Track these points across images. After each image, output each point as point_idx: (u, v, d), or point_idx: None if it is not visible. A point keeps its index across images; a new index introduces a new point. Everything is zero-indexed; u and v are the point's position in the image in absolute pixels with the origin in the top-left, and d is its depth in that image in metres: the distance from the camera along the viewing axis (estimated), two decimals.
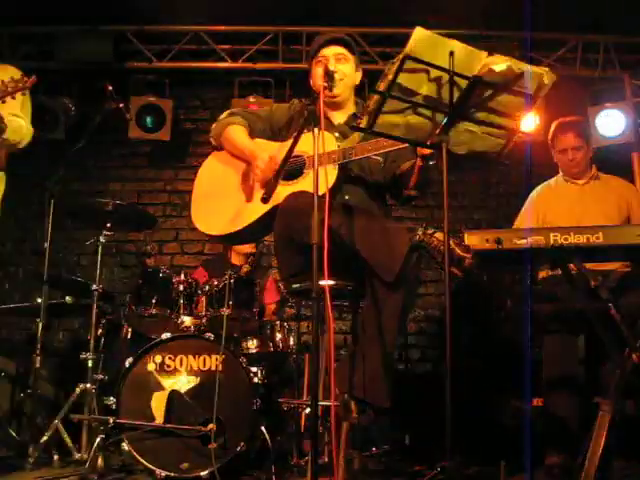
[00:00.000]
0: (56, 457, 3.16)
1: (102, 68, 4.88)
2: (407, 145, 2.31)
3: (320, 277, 1.98)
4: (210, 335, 3.17)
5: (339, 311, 4.72)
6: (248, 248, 4.16)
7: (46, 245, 3.52)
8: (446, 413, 1.93)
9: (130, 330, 3.68)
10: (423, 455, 3.80)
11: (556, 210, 3.50)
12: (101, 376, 3.39)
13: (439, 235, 2.20)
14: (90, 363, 3.32)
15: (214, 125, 2.78)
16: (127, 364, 3.06)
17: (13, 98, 2.80)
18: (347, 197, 2.56)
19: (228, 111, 2.82)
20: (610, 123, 4.66)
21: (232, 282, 3.27)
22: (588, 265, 2.60)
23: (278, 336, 3.58)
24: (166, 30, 5.06)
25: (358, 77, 2.77)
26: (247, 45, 5.08)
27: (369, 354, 2.25)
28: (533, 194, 3.65)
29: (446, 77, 1.99)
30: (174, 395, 2.99)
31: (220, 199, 2.65)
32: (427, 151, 2.28)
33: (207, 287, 3.36)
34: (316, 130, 2.13)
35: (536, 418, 3.09)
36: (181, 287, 3.36)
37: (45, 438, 3.15)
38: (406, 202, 2.72)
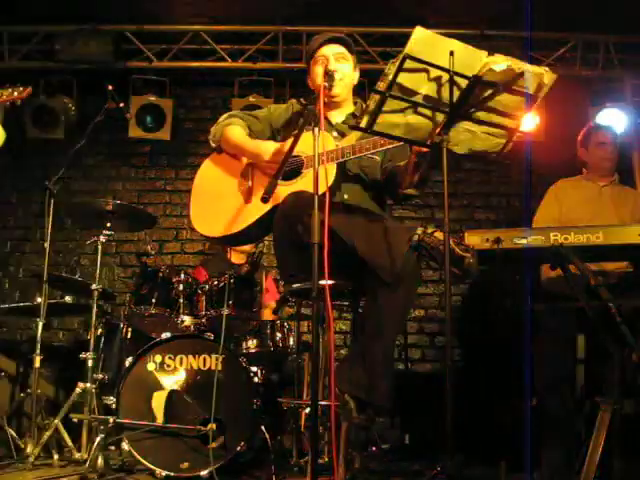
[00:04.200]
0: (56, 457, 3.16)
1: (102, 68, 4.88)
2: (404, 143, 2.31)
3: (320, 277, 1.98)
4: (210, 335, 3.17)
5: (339, 311, 4.72)
6: (248, 247, 4.16)
7: (46, 245, 3.51)
8: (446, 413, 1.93)
9: (130, 330, 3.68)
10: (423, 455, 3.81)
11: (572, 205, 3.51)
12: (101, 376, 3.39)
13: (439, 235, 2.20)
14: (90, 363, 3.32)
15: (213, 127, 2.77)
16: (127, 364, 3.06)
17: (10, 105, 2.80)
18: (346, 196, 2.56)
19: (226, 114, 2.82)
20: (610, 123, 4.66)
21: (232, 282, 3.27)
22: (588, 265, 2.61)
23: (278, 336, 3.58)
24: (166, 30, 5.06)
25: (356, 77, 2.77)
26: (247, 45, 5.08)
27: (369, 354, 2.24)
28: (553, 187, 3.66)
29: (446, 77, 1.99)
30: (174, 395, 3.00)
31: (219, 201, 2.65)
32: (421, 149, 2.27)
33: (207, 287, 3.36)
34: (316, 130, 2.13)
35: (535, 418, 3.10)
36: (181, 287, 3.36)
37: (45, 438, 3.16)
38: (403, 201, 2.72)
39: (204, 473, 2.83)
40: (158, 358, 3.05)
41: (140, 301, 3.36)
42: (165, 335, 3.13)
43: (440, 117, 2.08)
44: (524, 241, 2.58)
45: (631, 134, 4.78)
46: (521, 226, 3.06)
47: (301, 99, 2.80)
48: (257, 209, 2.49)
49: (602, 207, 3.47)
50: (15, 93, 2.82)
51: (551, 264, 2.76)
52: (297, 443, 3.34)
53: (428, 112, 2.08)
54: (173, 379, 3.03)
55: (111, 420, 2.93)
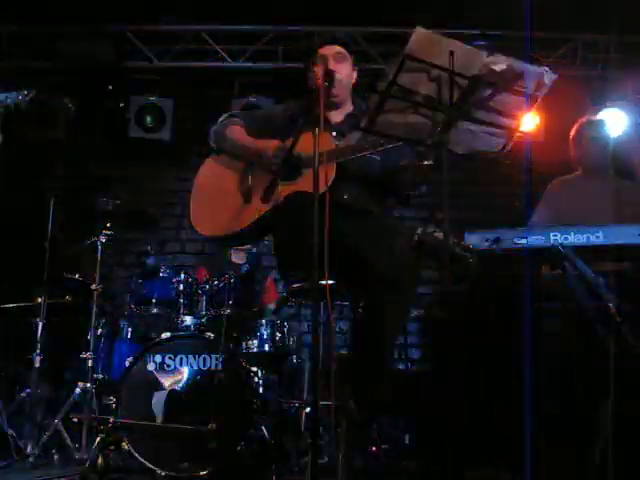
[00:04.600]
0: (56, 457, 3.17)
1: (102, 68, 4.88)
2: (402, 143, 2.31)
3: (320, 277, 1.98)
4: (210, 334, 3.17)
5: (339, 311, 4.72)
6: (248, 247, 4.16)
7: (46, 245, 3.52)
8: (446, 413, 1.93)
9: (130, 330, 3.68)
10: (423, 455, 3.80)
11: (569, 205, 3.51)
12: (101, 376, 3.39)
13: (439, 235, 2.20)
14: (90, 363, 3.33)
15: (213, 128, 2.77)
16: (127, 364, 3.06)
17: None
18: (346, 196, 2.56)
19: (226, 114, 2.82)
20: (610, 123, 4.65)
21: (232, 282, 3.27)
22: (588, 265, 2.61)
23: (278, 336, 3.58)
24: (166, 30, 5.06)
25: (355, 76, 2.77)
26: (247, 45, 5.09)
27: (369, 354, 2.25)
28: (549, 188, 3.65)
29: (446, 77, 2.00)
30: (174, 395, 3.00)
31: (219, 200, 2.65)
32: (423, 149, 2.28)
33: (207, 287, 3.37)
34: (315, 130, 2.13)
35: (534, 418, 3.09)
36: (181, 287, 3.36)
37: (45, 438, 3.16)
38: (404, 201, 2.72)
39: (204, 473, 2.83)
40: (158, 358, 3.05)
41: (140, 301, 3.37)
42: (165, 335, 3.13)
43: (440, 117, 2.09)
44: (524, 241, 2.58)
45: (631, 134, 4.77)
46: (521, 226, 3.07)
47: (301, 99, 2.80)
48: (257, 209, 2.49)
49: (600, 206, 3.47)
50: (20, 97, 2.83)
51: (551, 264, 2.76)
52: (297, 443, 3.34)
53: (428, 112, 2.08)
54: (173, 379, 3.03)
55: (111, 420, 2.93)
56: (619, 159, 3.69)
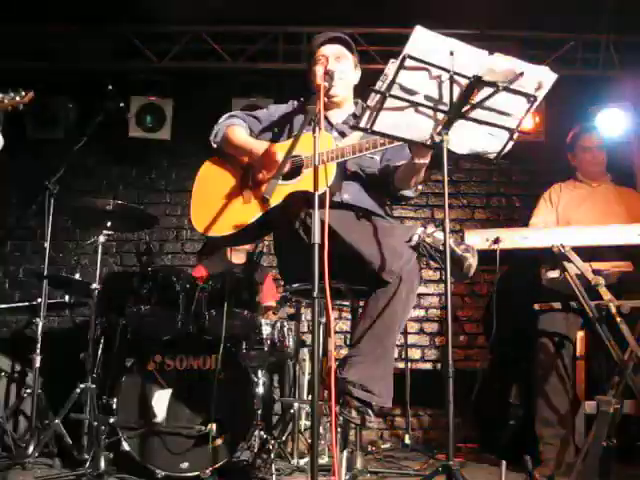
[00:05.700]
0: (56, 457, 3.16)
1: (102, 68, 4.88)
2: (402, 144, 2.31)
3: (320, 277, 1.98)
4: (210, 335, 3.17)
5: (339, 311, 4.73)
6: (248, 247, 4.16)
7: (46, 245, 3.52)
8: (446, 413, 1.94)
9: (130, 330, 3.68)
10: (423, 455, 3.81)
11: (566, 207, 3.52)
12: (101, 376, 3.39)
13: (439, 234, 2.20)
14: (90, 363, 3.32)
15: (214, 128, 2.77)
16: (127, 364, 3.06)
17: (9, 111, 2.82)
18: (346, 196, 2.56)
19: (227, 114, 2.82)
20: (610, 123, 4.65)
21: (232, 282, 3.27)
22: (588, 265, 2.61)
23: (278, 336, 3.57)
24: (166, 30, 5.06)
25: (357, 76, 2.76)
26: (247, 45, 5.08)
27: (369, 354, 2.25)
28: (546, 192, 3.67)
29: (446, 76, 2.00)
30: (174, 395, 3.00)
31: (219, 200, 2.65)
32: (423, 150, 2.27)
33: (207, 287, 3.36)
34: (316, 130, 2.13)
35: (535, 417, 3.10)
36: (181, 287, 3.35)
37: (45, 438, 3.15)
38: (401, 201, 2.71)
39: (204, 473, 2.83)
40: (158, 358, 3.05)
41: (140, 301, 3.36)
42: (165, 335, 3.13)
43: (440, 117, 2.09)
44: (524, 241, 2.58)
45: (631, 134, 4.77)
46: (521, 226, 3.06)
47: (301, 99, 2.80)
48: (257, 209, 2.49)
49: (597, 207, 3.48)
50: (17, 98, 2.83)
51: (551, 264, 2.76)
52: (297, 443, 3.34)
53: (428, 112, 2.08)
54: (173, 379, 3.03)
55: (111, 420, 2.93)
56: (616, 164, 3.71)
